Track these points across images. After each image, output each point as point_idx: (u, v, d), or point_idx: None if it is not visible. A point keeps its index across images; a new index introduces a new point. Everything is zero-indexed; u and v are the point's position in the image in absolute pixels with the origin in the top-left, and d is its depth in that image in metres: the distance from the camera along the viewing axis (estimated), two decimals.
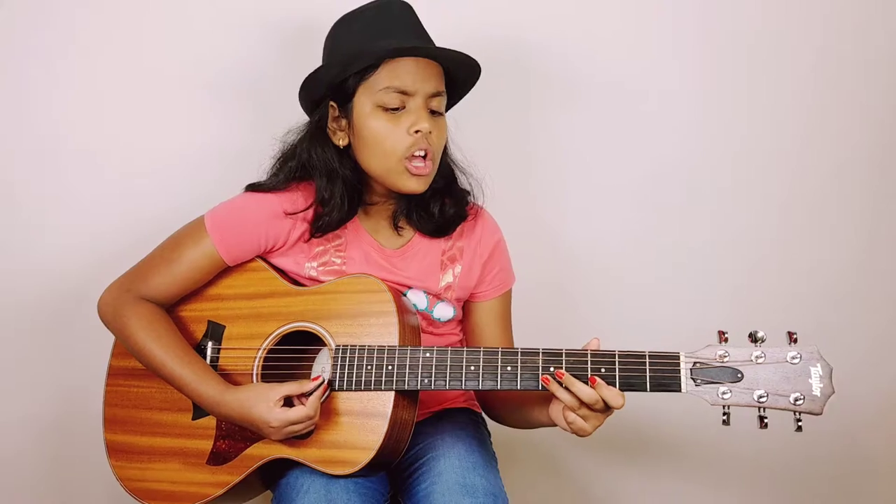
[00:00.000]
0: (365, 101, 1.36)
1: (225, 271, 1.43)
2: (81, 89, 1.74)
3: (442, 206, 1.44)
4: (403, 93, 1.34)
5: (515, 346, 1.50)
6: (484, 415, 1.55)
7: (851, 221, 1.90)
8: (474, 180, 1.49)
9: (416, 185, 1.37)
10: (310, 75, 1.36)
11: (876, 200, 1.90)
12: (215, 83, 1.77)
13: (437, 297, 1.45)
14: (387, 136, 1.34)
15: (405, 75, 1.33)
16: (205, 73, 1.76)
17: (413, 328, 1.34)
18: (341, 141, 1.40)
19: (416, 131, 1.33)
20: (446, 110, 1.46)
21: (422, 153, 1.35)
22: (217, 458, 1.35)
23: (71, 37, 1.73)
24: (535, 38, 1.81)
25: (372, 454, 1.25)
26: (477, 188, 1.49)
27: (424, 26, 1.42)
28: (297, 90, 1.40)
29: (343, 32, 1.41)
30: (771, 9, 1.85)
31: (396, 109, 1.34)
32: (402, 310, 1.33)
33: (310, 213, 1.40)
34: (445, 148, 1.45)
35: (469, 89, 1.44)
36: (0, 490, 1.77)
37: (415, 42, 1.35)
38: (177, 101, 1.77)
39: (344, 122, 1.39)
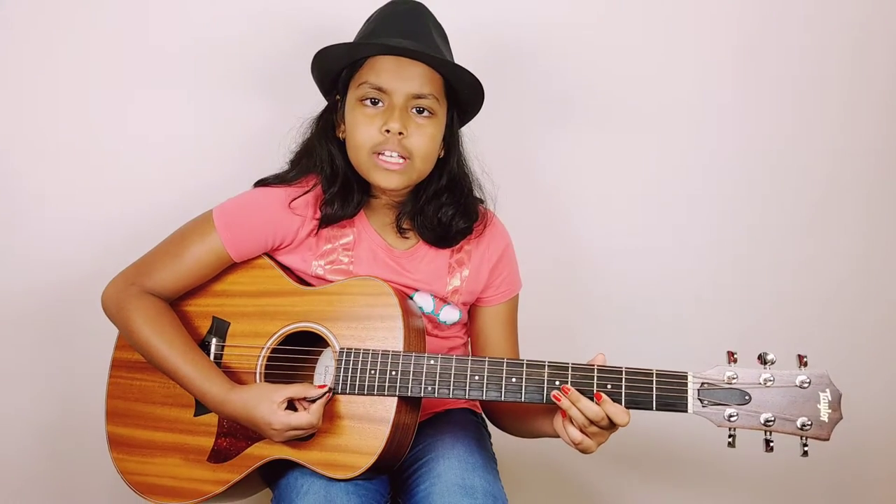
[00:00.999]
0: (351, 94, 1.37)
1: (231, 267, 1.42)
2: (86, 81, 1.72)
3: (451, 218, 1.42)
4: (381, 90, 1.34)
5: (520, 352, 1.51)
6: (484, 416, 1.54)
7: (854, 222, 1.90)
8: (489, 195, 1.48)
9: (386, 180, 1.35)
10: (312, 63, 1.38)
11: (878, 201, 1.90)
12: (226, 75, 1.75)
13: (444, 300, 1.44)
14: (359, 130, 1.35)
15: (383, 73, 1.34)
16: (215, 65, 1.75)
17: (418, 332, 1.33)
18: (342, 133, 1.41)
19: (387, 130, 1.32)
20: (462, 124, 1.45)
21: (393, 154, 1.34)
22: (218, 455, 1.35)
23: (79, 27, 1.71)
24: (539, 44, 1.80)
25: (373, 459, 1.25)
26: (489, 202, 1.48)
27: (442, 29, 1.41)
28: (306, 88, 1.42)
29: (362, 27, 1.43)
30: (771, 10, 1.83)
31: (375, 104, 1.34)
32: (408, 313, 1.32)
33: (314, 204, 1.40)
34: (461, 159, 1.44)
35: (477, 101, 1.41)
36: (3, 482, 1.78)
37: (402, 42, 1.33)
38: (186, 94, 1.75)
39: (343, 114, 1.40)
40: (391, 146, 1.33)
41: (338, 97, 1.42)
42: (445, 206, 1.42)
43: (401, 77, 1.33)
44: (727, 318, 1.87)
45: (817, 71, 1.85)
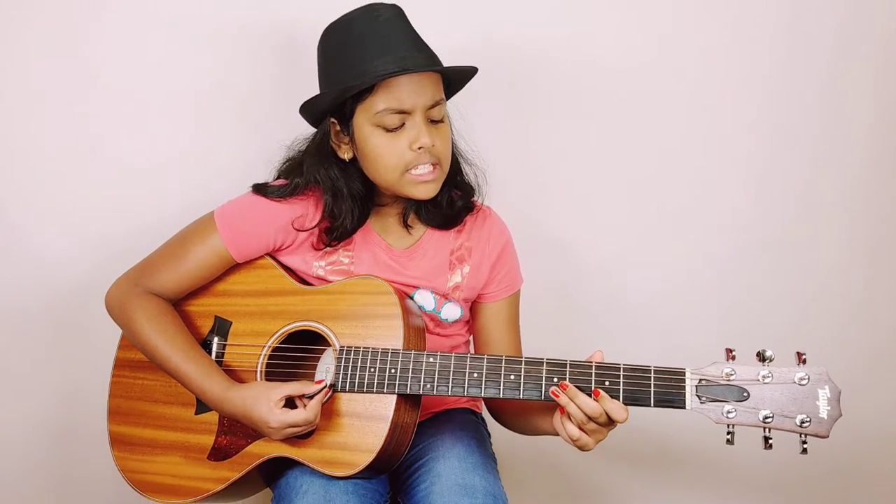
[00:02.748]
0: (363, 121, 1.33)
1: (233, 267, 1.43)
2: (82, 90, 1.73)
3: (450, 198, 1.43)
4: (402, 112, 1.32)
5: (522, 348, 1.51)
6: (484, 416, 1.55)
7: (855, 223, 1.89)
8: (479, 170, 1.48)
9: (426, 192, 1.36)
10: (306, 102, 1.36)
11: (880, 201, 1.89)
12: (219, 87, 1.75)
13: (445, 297, 1.44)
14: (388, 154, 1.33)
15: (402, 95, 1.30)
16: (208, 77, 1.75)
17: (418, 330, 1.34)
18: (346, 154, 1.39)
19: (419, 147, 1.32)
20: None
21: (427, 167, 1.34)
22: (218, 453, 1.36)
23: (70, 40, 1.71)
24: (538, 38, 1.80)
25: (372, 457, 1.25)
26: (481, 178, 1.48)
27: (416, 27, 1.38)
28: (296, 92, 1.40)
29: (334, 48, 1.36)
30: (775, 8, 1.82)
31: (396, 128, 1.33)
32: (408, 312, 1.32)
33: (320, 222, 1.40)
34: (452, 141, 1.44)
35: (465, 83, 1.42)
36: (5, 480, 1.79)
37: (406, 54, 1.31)
38: (179, 101, 1.75)
39: (346, 137, 1.37)
40: (424, 159, 1.33)
41: (333, 121, 1.37)
42: (443, 187, 1.41)
43: (418, 93, 1.31)
44: (727, 318, 1.86)
45: (833, 76, 1.84)
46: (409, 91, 1.31)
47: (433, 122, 1.35)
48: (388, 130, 1.32)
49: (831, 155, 1.87)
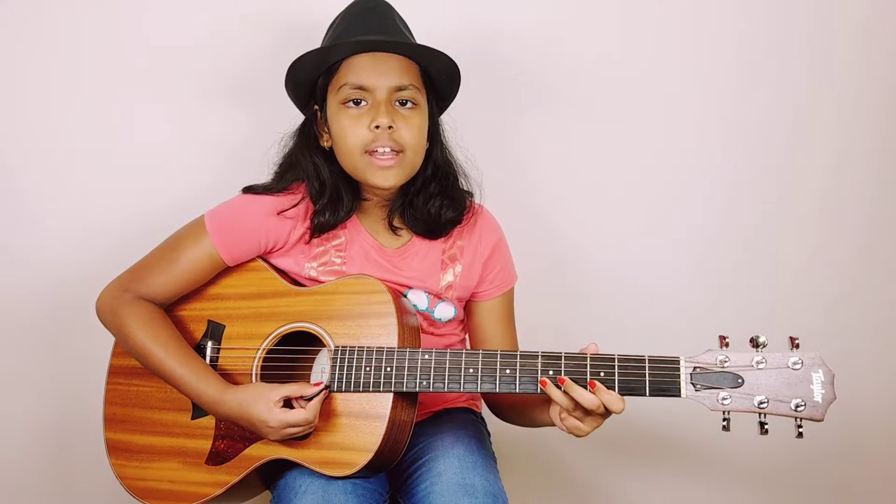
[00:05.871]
0: (332, 100, 1.37)
1: (225, 271, 1.43)
2: (78, 88, 1.74)
3: (439, 208, 1.43)
4: (362, 88, 1.34)
5: (518, 344, 1.51)
6: (483, 415, 1.55)
7: (853, 221, 1.90)
8: (474, 182, 1.48)
9: (384, 179, 1.36)
10: (286, 75, 1.38)
11: (879, 201, 1.90)
12: (214, 80, 1.76)
13: (438, 296, 1.45)
14: (348, 133, 1.35)
15: (361, 70, 1.34)
16: (204, 70, 1.76)
17: (412, 329, 1.34)
18: (327, 143, 1.41)
19: (376, 126, 1.33)
20: (441, 112, 1.46)
21: (385, 149, 1.34)
22: (216, 457, 1.35)
23: (70, 34, 1.72)
24: (531, 36, 1.81)
25: (370, 456, 1.25)
26: (476, 190, 1.48)
27: (406, 23, 1.42)
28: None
29: (327, 33, 1.43)
30: (769, 6, 1.84)
31: (358, 104, 1.35)
32: (402, 311, 1.32)
33: (305, 210, 1.41)
34: (445, 147, 1.45)
35: (454, 86, 1.43)
36: (1, 488, 1.78)
37: (374, 35, 1.34)
38: (175, 99, 1.76)
39: (326, 125, 1.40)
40: (383, 142, 1.34)
41: (316, 107, 1.42)
42: (434, 197, 1.43)
43: (379, 72, 1.34)
44: (720, 305, 1.87)
45: (819, 70, 1.86)
46: (368, 68, 1.34)
47: (402, 108, 1.36)
48: (350, 109, 1.34)
49: (833, 158, 1.88)
